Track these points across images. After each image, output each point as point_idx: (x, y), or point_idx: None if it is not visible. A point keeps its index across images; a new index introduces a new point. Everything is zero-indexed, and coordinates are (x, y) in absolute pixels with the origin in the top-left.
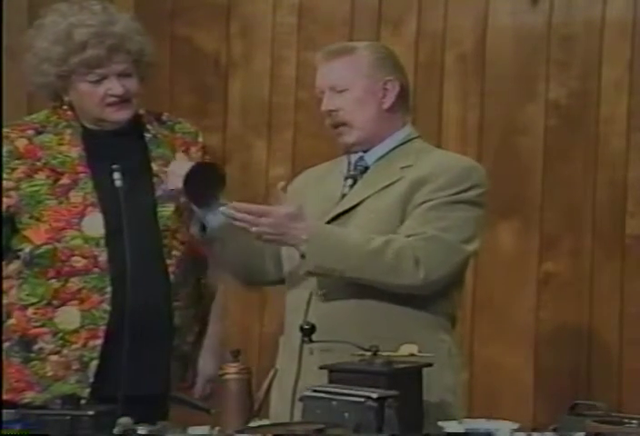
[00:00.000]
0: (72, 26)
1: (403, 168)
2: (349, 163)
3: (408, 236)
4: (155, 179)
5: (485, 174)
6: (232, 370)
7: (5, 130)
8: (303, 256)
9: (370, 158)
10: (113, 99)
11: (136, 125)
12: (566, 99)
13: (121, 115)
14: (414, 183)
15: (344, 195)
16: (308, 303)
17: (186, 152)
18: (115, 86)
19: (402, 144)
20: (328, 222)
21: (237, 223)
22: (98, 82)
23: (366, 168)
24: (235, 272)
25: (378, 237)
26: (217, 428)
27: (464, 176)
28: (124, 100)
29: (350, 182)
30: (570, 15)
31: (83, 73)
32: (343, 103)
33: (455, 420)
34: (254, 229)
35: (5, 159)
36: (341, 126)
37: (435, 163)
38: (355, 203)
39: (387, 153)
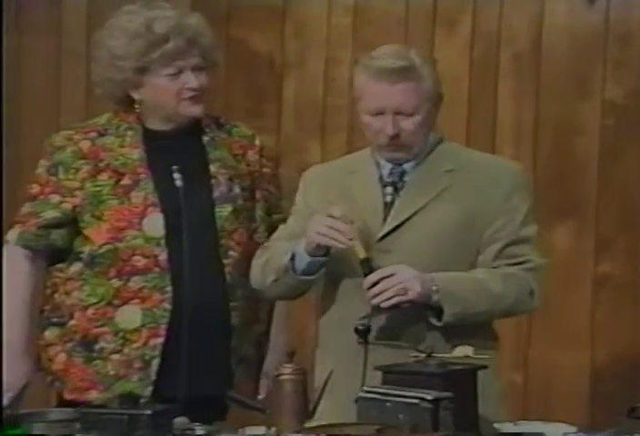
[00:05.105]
0: (151, 20)
1: (448, 172)
2: (379, 167)
3: (513, 264)
4: (212, 180)
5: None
6: (287, 370)
7: (68, 132)
8: (432, 308)
9: (407, 163)
10: (189, 93)
11: (195, 128)
12: (623, 98)
13: (195, 110)
14: (471, 196)
15: (388, 204)
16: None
17: (243, 155)
18: (191, 80)
19: (435, 147)
20: (386, 235)
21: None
22: (175, 75)
23: (402, 173)
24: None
25: (489, 274)
26: (274, 428)
27: (516, 184)
28: (198, 94)
29: (390, 189)
30: (627, 14)
31: (162, 65)
32: (409, 126)
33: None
34: (400, 298)
35: (69, 159)
36: (399, 145)
37: (483, 170)
38: (411, 213)
39: (425, 157)
